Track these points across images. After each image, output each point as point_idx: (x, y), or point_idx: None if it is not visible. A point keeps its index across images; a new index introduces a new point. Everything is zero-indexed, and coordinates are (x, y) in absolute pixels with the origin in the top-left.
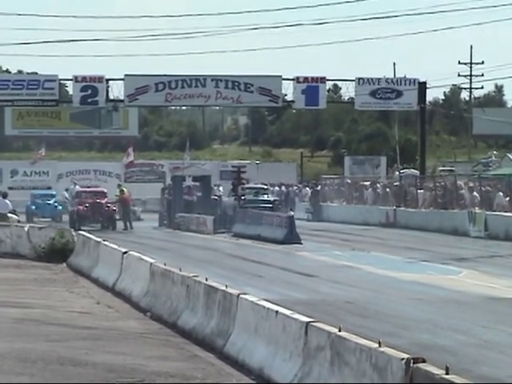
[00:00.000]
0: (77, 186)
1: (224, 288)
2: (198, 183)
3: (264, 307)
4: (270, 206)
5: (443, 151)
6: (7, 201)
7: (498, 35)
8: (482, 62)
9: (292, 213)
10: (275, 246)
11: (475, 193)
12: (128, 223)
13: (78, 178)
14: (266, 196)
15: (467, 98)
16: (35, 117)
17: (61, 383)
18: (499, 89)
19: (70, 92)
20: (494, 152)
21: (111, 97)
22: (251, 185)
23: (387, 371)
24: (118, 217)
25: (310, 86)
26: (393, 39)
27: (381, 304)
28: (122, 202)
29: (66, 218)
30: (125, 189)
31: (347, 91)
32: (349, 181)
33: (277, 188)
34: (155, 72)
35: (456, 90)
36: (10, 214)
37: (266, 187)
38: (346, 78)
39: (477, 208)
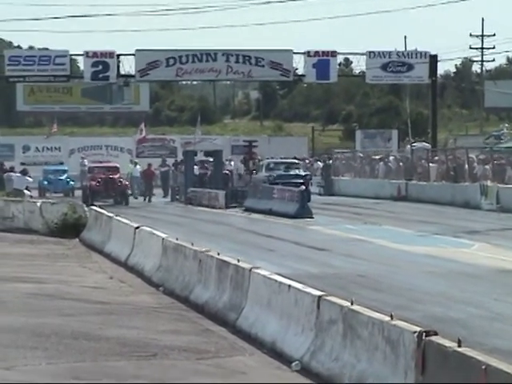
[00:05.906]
0: (85, 161)
1: (236, 262)
2: (209, 158)
3: (276, 281)
4: (302, 181)
5: (455, 124)
6: (28, 177)
7: (510, 7)
8: (494, 35)
9: (304, 187)
10: (287, 220)
11: (487, 166)
12: (149, 197)
13: (89, 153)
14: (297, 171)
15: (479, 71)
16: (47, 92)
17: (75, 357)
18: (511, 61)
19: (81, 67)
20: (506, 125)
21: (122, 72)
22: (280, 159)
23: (399, 344)
24: (130, 192)
25: (321, 60)
26: (404, 12)
27: (393, 277)
28: (147, 175)
29: (78, 193)
30: (138, 164)
31: (358, 65)
32: (361, 154)
33: None
34: (166, 47)
35: (467, 62)
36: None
37: (297, 161)
38: (357, 52)
39: (489, 181)
